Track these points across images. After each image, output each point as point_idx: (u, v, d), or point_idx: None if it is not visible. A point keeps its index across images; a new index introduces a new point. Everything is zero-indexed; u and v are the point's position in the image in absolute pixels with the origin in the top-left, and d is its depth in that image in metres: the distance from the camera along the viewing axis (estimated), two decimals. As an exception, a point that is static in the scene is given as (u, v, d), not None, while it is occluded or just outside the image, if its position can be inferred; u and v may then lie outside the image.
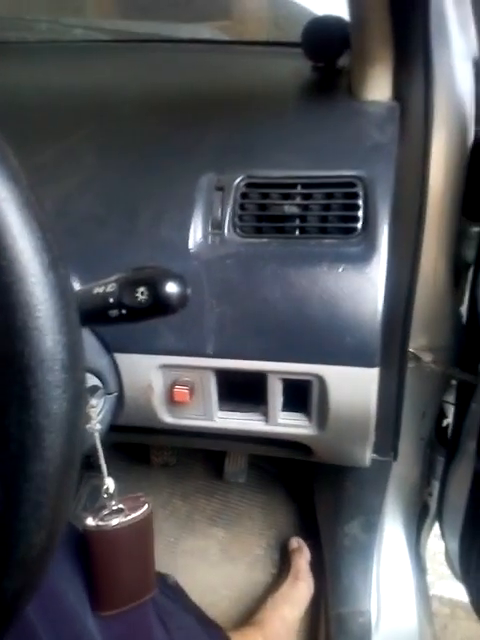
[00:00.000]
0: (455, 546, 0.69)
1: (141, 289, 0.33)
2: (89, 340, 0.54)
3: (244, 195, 0.55)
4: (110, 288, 0.34)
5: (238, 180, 0.55)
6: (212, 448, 0.96)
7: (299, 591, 0.87)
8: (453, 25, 0.55)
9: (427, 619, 0.81)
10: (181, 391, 0.56)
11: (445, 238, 0.57)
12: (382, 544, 0.80)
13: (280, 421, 0.58)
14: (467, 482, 0.62)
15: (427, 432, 0.70)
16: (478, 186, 0.56)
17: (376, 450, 0.62)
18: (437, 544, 0.79)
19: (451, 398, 0.70)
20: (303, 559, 0.90)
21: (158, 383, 0.57)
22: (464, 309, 0.64)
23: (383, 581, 0.79)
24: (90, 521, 0.50)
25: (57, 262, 0.24)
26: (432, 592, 0.84)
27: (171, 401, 0.57)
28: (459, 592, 0.84)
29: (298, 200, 0.54)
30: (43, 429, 0.23)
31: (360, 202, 0.53)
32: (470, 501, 0.63)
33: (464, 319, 0.63)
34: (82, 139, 0.61)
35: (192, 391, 0.56)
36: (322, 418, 0.56)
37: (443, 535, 0.74)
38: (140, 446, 1.09)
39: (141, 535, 0.52)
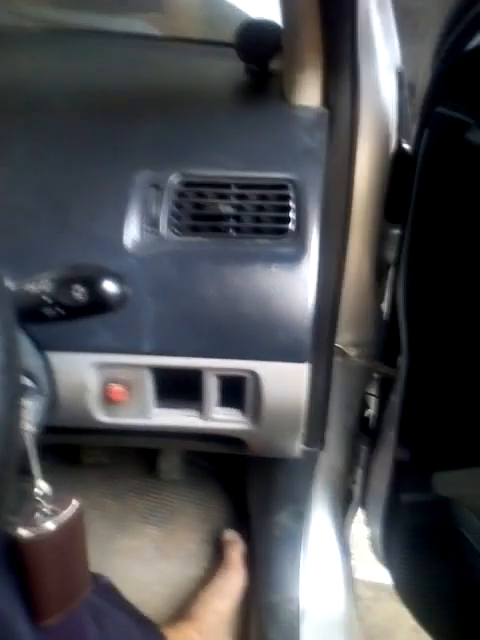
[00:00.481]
0: (377, 531, 0.73)
1: (78, 287, 0.33)
2: (19, 338, 0.52)
3: (180, 193, 0.55)
4: (45, 286, 0.33)
5: (174, 178, 0.56)
6: (149, 446, 0.95)
7: (231, 583, 0.88)
8: (378, 36, 0.58)
9: (352, 602, 0.84)
10: (117, 390, 0.55)
11: (369, 240, 0.60)
12: (310, 532, 0.83)
13: (216, 417, 0.59)
14: (388, 469, 0.66)
15: (352, 423, 0.74)
16: (399, 191, 0.59)
17: (305, 441, 0.64)
18: (361, 529, 0.83)
19: (373, 390, 0.74)
20: (235, 551, 0.92)
21: (93, 382, 0.56)
22: (385, 306, 0.68)
23: (311, 568, 0.82)
24: (22, 531, 0.48)
25: None
26: (357, 576, 0.88)
27: (107, 400, 0.57)
28: (382, 575, 0.89)
29: (233, 200, 0.55)
30: None
31: (291, 204, 0.55)
32: (390, 488, 0.67)
33: (385, 316, 0.67)
34: (12, 132, 0.59)
35: (128, 389, 0.56)
36: (256, 413, 0.58)
37: (366, 520, 0.78)
38: (69, 445, 1.06)
39: (73, 535, 0.51)
